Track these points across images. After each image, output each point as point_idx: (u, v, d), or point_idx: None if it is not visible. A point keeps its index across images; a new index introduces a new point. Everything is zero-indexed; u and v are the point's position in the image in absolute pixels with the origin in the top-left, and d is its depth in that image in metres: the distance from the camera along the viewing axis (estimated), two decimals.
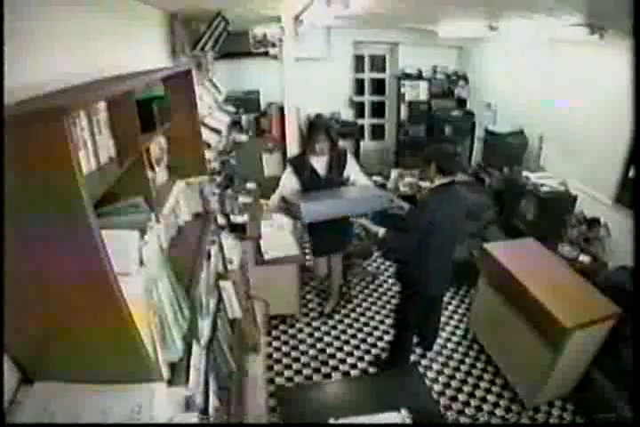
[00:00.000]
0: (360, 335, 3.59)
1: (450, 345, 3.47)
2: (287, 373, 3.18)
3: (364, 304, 3.98)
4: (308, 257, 4.13)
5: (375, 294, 4.12)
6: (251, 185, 4.20)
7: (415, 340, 3.26)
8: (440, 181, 2.60)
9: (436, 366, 3.26)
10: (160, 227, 1.39)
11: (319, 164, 3.13)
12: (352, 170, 3.21)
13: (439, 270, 2.79)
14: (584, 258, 3.50)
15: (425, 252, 2.63)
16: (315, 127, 3.10)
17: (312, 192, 3.02)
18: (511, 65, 4.93)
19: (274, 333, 3.57)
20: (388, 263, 4.61)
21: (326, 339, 3.54)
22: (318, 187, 3.03)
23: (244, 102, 5.10)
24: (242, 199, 3.64)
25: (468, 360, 3.31)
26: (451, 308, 3.93)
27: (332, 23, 4.82)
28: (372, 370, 3.24)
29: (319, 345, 3.47)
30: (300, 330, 3.63)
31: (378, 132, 6.82)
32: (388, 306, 3.94)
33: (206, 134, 2.76)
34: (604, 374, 2.67)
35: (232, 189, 3.67)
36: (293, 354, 3.37)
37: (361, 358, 3.34)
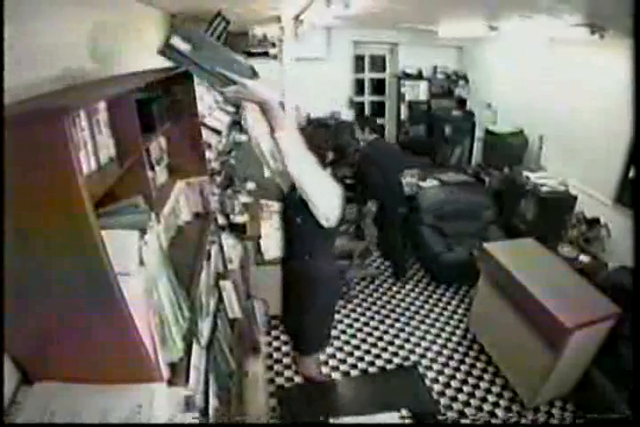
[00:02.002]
0: (360, 335, 3.59)
1: (450, 345, 3.47)
2: (287, 373, 3.18)
3: (364, 304, 3.97)
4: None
5: (375, 294, 4.12)
6: (251, 185, 4.20)
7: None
8: (372, 137, 4.05)
9: (436, 367, 3.26)
10: (160, 227, 1.39)
11: None
12: None
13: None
14: (584, 258, 3.51)
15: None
16: None
17: None
18: (511, 65, 4.93)
19: (274, 333, 3.57)
20: (387, 263, 4.61)
21: None
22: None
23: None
24: (242, 199, 3.63)
25: (468, 360, 3.31)
26: (450, 308, 3.93)
27: (332, 23, 4.82)
28: (371, 370, 3.24)
29: None
30: None
31: (378, 132, 6.81)
32: (389, 306, 3.94)
33: (206, 134, 2.76)
34: (603, 374, 2.67)
35: (232, 189, 3.67)
36: (293, 354, 3.36)
37: (361, 359, 3.34)
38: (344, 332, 3.62)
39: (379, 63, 6.50)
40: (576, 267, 3.14)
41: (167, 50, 1.32)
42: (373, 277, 4.38)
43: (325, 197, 1.87)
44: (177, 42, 1.30)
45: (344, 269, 3.95)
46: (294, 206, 2.00)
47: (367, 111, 6.71)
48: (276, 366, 3.24)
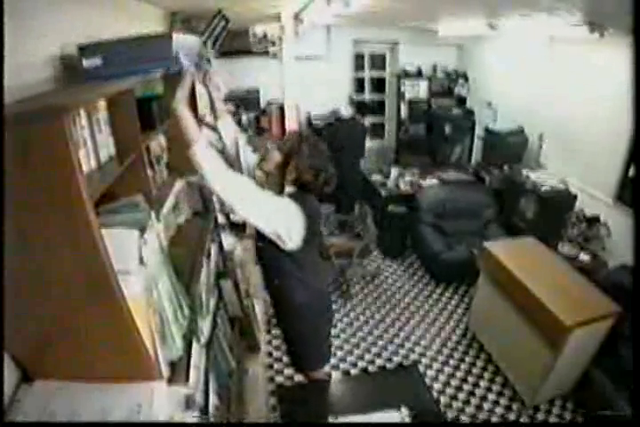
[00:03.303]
0: (360, 334, 3.59)
1: (450, 344, 3.47)
2: (287, 371, 3.18)
3: (364, 303, 3.98)
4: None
5: (375, 293, 4.13)
6: None
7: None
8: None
9: (436, 365, 3.26)
10: (160, 225, 1.39)
11: None
12: None
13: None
14: (584, 256, 3.51)
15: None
16: None
17: None
18: (511, 63, 4.92)
19: (274, 331, 3.57)
20: (387, 262, 4.62)
21: None
22: None
23: (244, 101, 5.09)
24: None
25: (467, 359, 3.31)
26: (450, 306, 3.93)
27: (332, 22, 4.81)
28: (371, 369, 3.24)
29: None
30: None
31: (378, 131, 6.81)
32: (388, 305, 3.94)
33: (206, 133, 2.75)
34: (603, 373, 2.68)
35: None
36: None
37: (361, 357, 3.34)
38: (344, 330, 3.62)
39: (379, 62, 6.48)
40: (576, 265, 3.14)
41: (85, 74, 1.26)
42: (373, 275, 4.38)
43: (274, 220, 1.70)
44: (88, 63, 1.24)
45: (344, 267, 3.96)
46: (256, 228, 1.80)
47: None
48: (276, 365, 3.24)
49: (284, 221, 1.73)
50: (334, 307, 3.84)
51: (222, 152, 1.94)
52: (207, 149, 1.53)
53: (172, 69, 1.38)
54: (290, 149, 1.83)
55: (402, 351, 3.40)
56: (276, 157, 1.85)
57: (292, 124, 4.41)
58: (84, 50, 1.25)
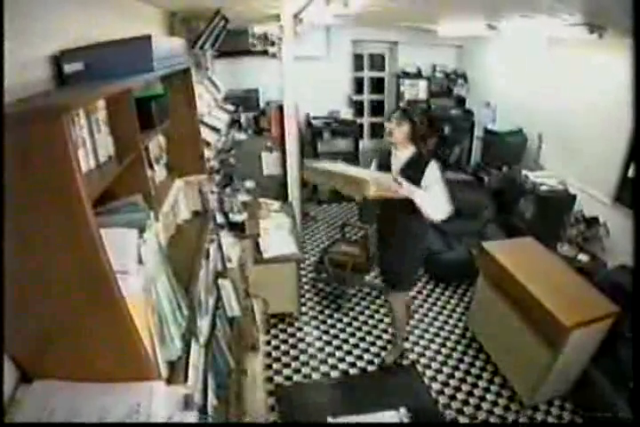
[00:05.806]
0: (359, 334, 3.59)
1: (449, 344, 3.48)
2: (286, 371, 3.19)
3: (363, 303, 3.98)
4: None
5: (374, 293, 4.13)
6: (250, 184, 4.20)
7: None
8: None
9: (434, 365, 3.26)
10: (159, 225, 1.39)
11: (396, 160, 2.69)
12: (429, 183, 2.52)
13: None
14: (583, 257, 3.51)
15: None
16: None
17: None
18: (510, 64, 4.93)
19: (273, 331, 3.57)
20: None
21: (325, 337, 3.54)
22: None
23: (244, 101, 5.09)
24: (241, 198, 3.63)
25: (466, 359, 3.31)
26: (449, 306, 3.93)
27: (332, 22, 4.81)
28: (370, 369, 3.24)
29: (318, 344, 3.47)
30: (299, 328, 3.63)
31: (377, 131, 6.82)
32: (387, 304, 3.94)
33: (205, 133, 2.76)
34: (602, 373, 2.68)
35: (231, 187, 3.67)
36: (292, 353, 3.37)
37: (360, 357, 3.34)
38: (343, 330, 3.63)
39: (378, 62, 6.50)
40: (575, 266, 3.15)
41: (69, 80, 1.24)
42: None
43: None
44: (69, 68, 1.22)
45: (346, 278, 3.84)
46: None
47: (366, 110, 6.71)
48: (275, 365, 3.24)
49: None
50: (331, 311, 3.85)
51: None
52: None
53: (156, 71, 1.37)
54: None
55: None
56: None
57: (290, 125, 4.40)
58: (66, 54, 1.23)
